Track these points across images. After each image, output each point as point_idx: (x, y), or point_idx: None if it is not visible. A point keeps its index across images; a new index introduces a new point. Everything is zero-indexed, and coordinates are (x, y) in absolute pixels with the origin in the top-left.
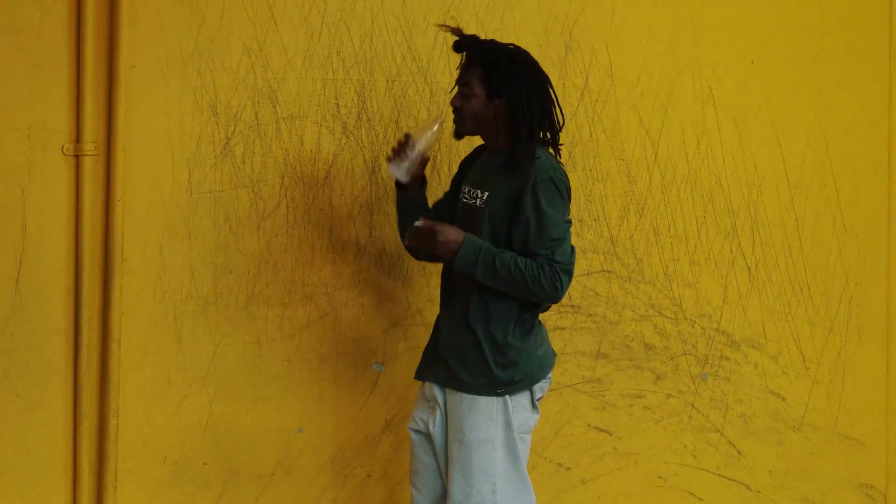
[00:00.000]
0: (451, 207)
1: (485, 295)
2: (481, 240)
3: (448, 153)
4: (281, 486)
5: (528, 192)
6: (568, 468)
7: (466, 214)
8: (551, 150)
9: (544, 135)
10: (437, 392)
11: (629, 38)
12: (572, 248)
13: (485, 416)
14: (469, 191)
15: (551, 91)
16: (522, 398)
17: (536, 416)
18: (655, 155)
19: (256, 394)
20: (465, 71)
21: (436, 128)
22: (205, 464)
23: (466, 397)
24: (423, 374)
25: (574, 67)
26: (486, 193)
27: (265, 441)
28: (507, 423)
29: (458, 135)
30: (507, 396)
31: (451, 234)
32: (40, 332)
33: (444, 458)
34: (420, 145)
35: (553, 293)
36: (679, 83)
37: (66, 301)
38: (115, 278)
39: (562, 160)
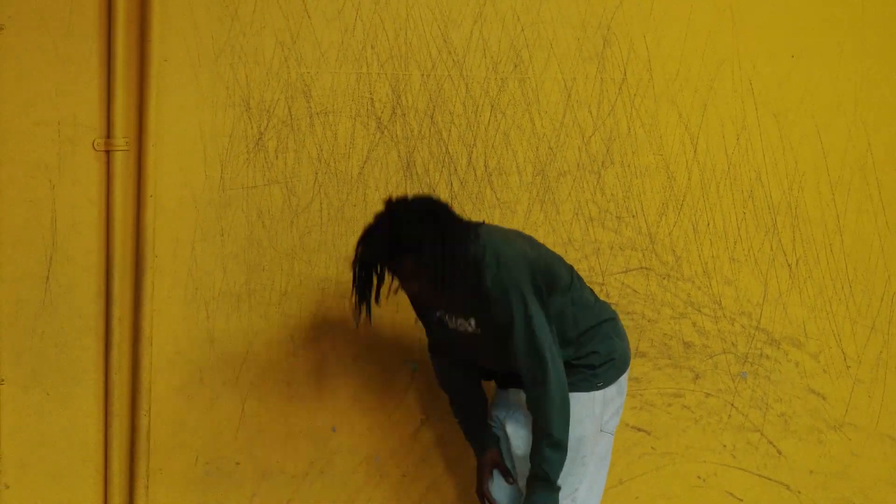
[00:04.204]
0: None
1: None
2: (535, 473)
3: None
4: (315, 486)
5: (494, 302)
6: None
7: (465, 338)
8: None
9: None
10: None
11: (668, 31)
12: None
13: (584, 412)
14: (450, 318)
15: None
16: (611, 392)
17: (617, 420)
18: (695, 150)
19: (290, 392)
20: (399, 271)
21: None
22: (237, 463)
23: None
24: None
25: (612, 61)
26: (472, 319)
27: (298, 440)
28: (600, 419)
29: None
30: (604, 390)
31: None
32: (71, 330)
33: (515, 459)
34: None
35: (561, 390)
36: (718, 77)
37: (97, 299)
38: (146, 275)
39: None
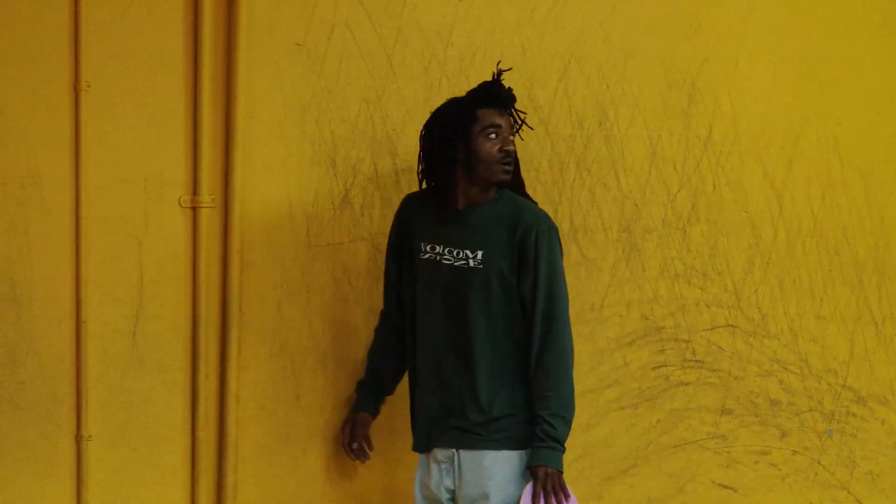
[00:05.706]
0: (402, 270)
1: (491, 366)
2: (542, 442)
3: None
4: None
5: (532, 243)
6: None
7: (453, 276)
8: None
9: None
10: (450, 453)
11: (753, 88)
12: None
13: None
14: (445, 250)
15: None
16: None
17: None
18: (780, 207)
19: (376, 449)
20: (503, 118)
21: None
22: None
23: (501, 454)
24: (428, 444)
25: (697, 119)
26: (480, 252)
27: (386, 498)
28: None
29: (501, 185)
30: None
31: (549, 475)
32: (157, 386)
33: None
34: None
35: (570, 345)
36: (804, 134)
37: (184, 355)
38: (232, 332)
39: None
